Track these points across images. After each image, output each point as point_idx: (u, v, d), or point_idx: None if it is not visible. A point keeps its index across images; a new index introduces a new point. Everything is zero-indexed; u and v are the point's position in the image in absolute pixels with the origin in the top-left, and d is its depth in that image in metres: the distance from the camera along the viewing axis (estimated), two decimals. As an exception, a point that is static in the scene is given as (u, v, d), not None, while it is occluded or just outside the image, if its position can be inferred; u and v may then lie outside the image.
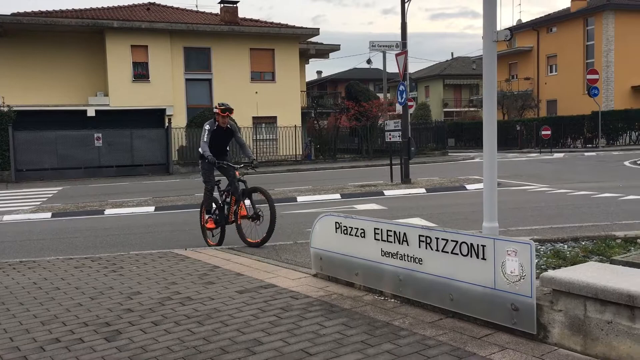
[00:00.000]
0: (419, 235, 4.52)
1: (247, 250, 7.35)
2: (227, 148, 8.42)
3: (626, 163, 22.18)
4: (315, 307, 4.70)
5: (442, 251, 4.33)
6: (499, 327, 3.95)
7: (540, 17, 48.30)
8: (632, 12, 40.99)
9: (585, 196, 12.48)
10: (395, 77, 17.41)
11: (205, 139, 7.99)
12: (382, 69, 18.67)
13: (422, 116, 44.86)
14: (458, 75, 60.26)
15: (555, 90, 44.83)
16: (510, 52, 48.78)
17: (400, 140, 16.49)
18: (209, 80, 32.29)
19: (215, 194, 8.34)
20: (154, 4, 35.63)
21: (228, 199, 8.13)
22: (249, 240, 7.74)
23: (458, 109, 59.64)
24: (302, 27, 33.84)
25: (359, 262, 5.10)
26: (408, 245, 4.62)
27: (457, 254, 4.21)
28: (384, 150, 28.27)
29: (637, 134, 35.48)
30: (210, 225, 8.24)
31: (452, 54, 67.43)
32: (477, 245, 4.08)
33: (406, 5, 18.62)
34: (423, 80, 63.02)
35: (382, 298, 4.85)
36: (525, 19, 54.99)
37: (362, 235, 5.05)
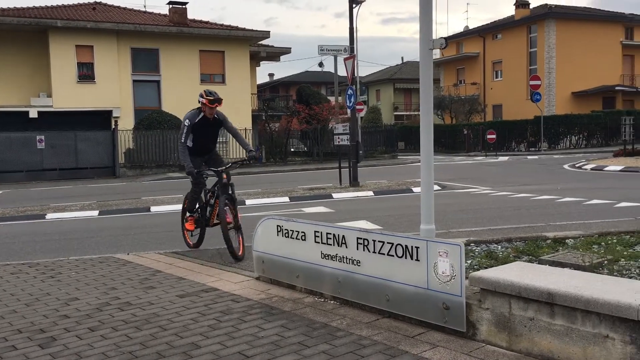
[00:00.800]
0: (357, 238, 4.63)
1: (190, 254, 7.31)
2: (216, 142, 7.54)
3: (565, 166, 23.05)
4: (255, 309, 4.74)
5: (379, 253, 4.44)
6: (431, 325, 4.09)
7: (486, 24, 49.67)
8: (573, 21, 42.66)
9: (525, 198, 12.92)
10: (347, 81, 17.60)
11: (183, 139, 7.00)
12: (334, 72, 18.79)
13: (373, 119, 45.42)
14: (408, 79, 61.24)
15: (500, 95, 46.17)
16: (458, 57, 49.98)
17: (349, 143, 16.67)
18: (158, 82, 31.81)
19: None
20: (100, 3, 34.85)
21: (212, 201, 7.34)
22: (236, 253, 6.80)
23: (408, 113, 60.62)
24: (252, 30, 33.75)
25: (300, 265, 5.17)
26: (347, 247, 4.71)
27: (393, 256, 4.33)
28: (335, 153, 28.46)
29: (577, 138, 36.93)
30: (189, 225, 7.50)
31: (402, 58, 68.51)
32: (412, 247, 4.21)
33: (355, 10, 18.90)
34: (374, 84, 63.82)
35: (322, 300, 4.93)
36: (472, 25, 56.48)
37: (303, 238, 5.12)
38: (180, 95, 30.42)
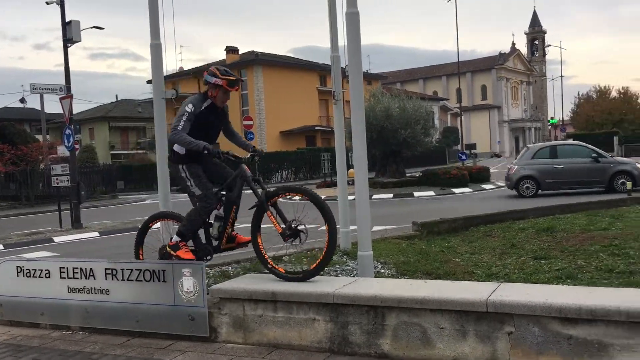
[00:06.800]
0: (105, 269, 5.04)
1: None
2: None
3: (278, 198, 25.56)
4: (0, 350, 4.75)
5: (128, 280, 4.94)
6: (181, 336, 4.74)
7: (200, 66, 51.96)
8: (277, 67, 47.47)
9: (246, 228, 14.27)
10: (55, 118, 17.10)
11: (181, 127, 4.85)
12: (37, 108, 17.98)
13: (88, 159, 43.60)
14: (124, 117, 60.19)
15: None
16: (176, 98, 51.10)
17: (69, 184, 16.15)
18: None
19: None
20: None
21: (220, 211, 5.21)
22: (281, 270, 4.89)
23: (126, 152, 59.35)
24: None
25: (45, 302, 5.30)
26: (95, 279, 5.07)
27: (142, 281, 4.88)
28: (49, 196, 26.69)
29: (286, 172, 41.01)
30: (186, 254, 5.04)
31: (116, 96, 67.05)
32: (159, 270, 4.82)
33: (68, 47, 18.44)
34: (87, 121, 60.94)
35: (70, 332, 5.16)
36: (187, 66, 58.58)
37: (47, 275, 5.28)
38: None
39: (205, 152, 4.79)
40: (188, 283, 4.68)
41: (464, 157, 34.09)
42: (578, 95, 77.58)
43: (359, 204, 5.31)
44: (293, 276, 4.73)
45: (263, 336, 4.49)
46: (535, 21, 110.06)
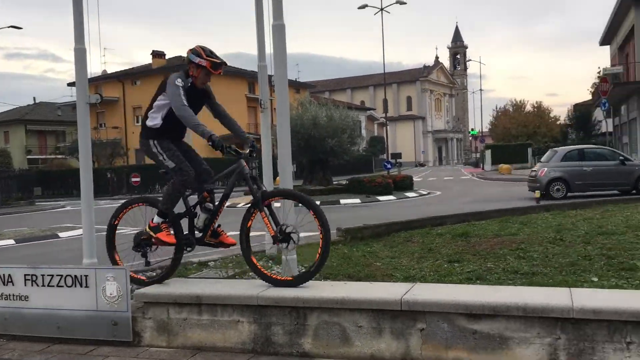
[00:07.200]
0: (25, 275, 4.96)
1: None
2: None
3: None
4: None
5: (49, 286, 4.88)
6: (103, 341, 4.73)
7: (125, 70, 50.80)
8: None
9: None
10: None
11: (184, 100, 4.83)
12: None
13: (2, 163, 41.60)
14: (42, 121, 57.77)
15: (142, 139, 47.46)
16: (100, 102, 49.56)
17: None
18: None
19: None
20: None
21: (210, 205, 5.11)
22: (273, 276, 4.76)
23: (44, 156, 56.93)
24: None
25: (-41, 310, 5.14)
26: (13, 285, 4.98)
27: (63, 286, 4.84)
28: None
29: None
30: (168, 237, 4.95)
31: (34, 98, 64.18)
32: (81, 276, 4.80)
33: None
34: (2, 124, 58.10)
35: (-13, 341, 5.03)
36: (110, 69, 56.97)
37: (-38, 282, 5.12)
38: None
39: (210, 143, 4.68)
40: (111, 288, 4.69)
41: (389, 165, 34.97)
42: (496, 108, 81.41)
43: (284, 211, 5.47)
44: (285, 281, 4.66)
45: (187, 339, 4.57)
46: (457, 36, 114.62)
